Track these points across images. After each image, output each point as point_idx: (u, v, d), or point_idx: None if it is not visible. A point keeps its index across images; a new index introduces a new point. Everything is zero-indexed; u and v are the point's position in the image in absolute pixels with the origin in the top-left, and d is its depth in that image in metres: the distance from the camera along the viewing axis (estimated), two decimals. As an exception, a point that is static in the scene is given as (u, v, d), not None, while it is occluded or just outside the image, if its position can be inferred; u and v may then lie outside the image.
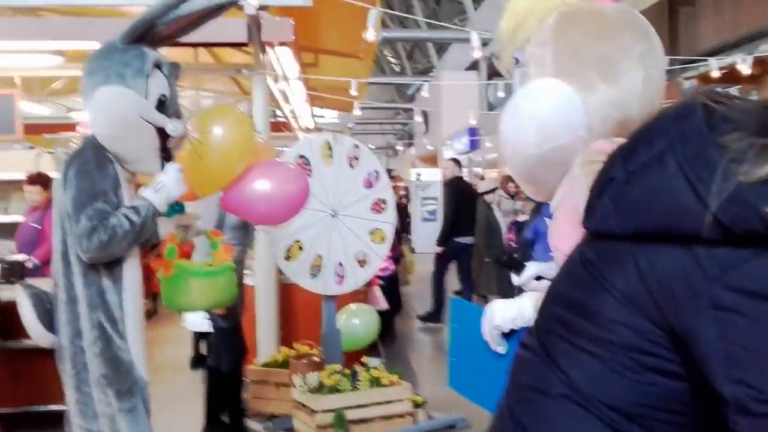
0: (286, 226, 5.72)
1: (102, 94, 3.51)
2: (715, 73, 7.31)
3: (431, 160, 25.12)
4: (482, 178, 14.41)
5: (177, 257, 4.03)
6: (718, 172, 1.22)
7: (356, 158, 6.59)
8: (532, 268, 2.73)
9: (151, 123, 3.56)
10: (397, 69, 35.44)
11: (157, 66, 3.61)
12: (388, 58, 36.05)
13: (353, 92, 7.88)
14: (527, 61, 2.42)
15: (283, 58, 7.01)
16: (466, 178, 16.64)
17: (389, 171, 29.53)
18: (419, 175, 22.85)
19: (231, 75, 8.04)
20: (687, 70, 10.94)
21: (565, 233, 2.22)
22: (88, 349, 3.58)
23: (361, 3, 6.41)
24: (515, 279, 2.74)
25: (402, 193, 23.12)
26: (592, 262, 1.40)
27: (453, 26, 22.99)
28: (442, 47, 26.01)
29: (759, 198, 1.18)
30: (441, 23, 16.73)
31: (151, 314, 8.72)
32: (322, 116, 16.30)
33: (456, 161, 12.56)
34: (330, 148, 6.51)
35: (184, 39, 5.61)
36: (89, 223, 3.41)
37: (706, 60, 10.18)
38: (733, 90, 8.30)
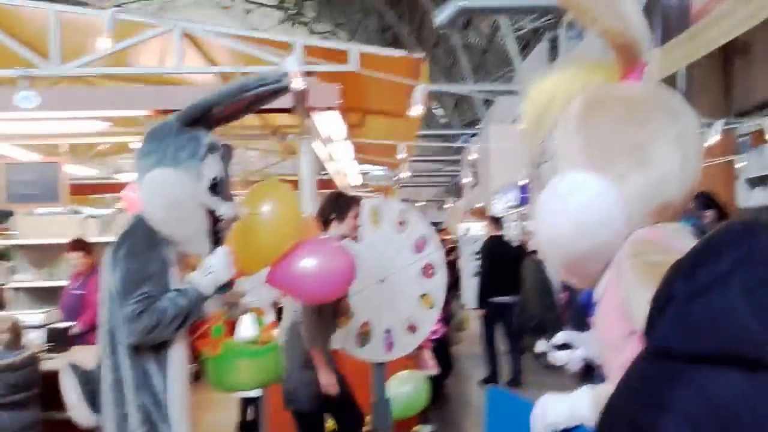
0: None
1: (156, 176, 3.50)
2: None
3: (481, 213, 24.91)
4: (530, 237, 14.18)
5: (224, 336, 3.97)
6: None
7: (404, 222, 6.48)
8: (561, 335, 2.68)
9: (203, 206, 3.54)
10: (443, 120, 35.46)
11: (211, 149, 3.59)
12: (434, 110, 36.12)
13: (400, 155, 7.78)
14: (555, 152, 2.35)
15: (329, 121, 6.94)
16: (515, 234, 16.43)
17: (438, 224, 29.40)
18: (468, 229, 22.63)
19: (278, 139, 8.00)
20: (742, 122, 10.72)
21: (611, 323, 2.19)
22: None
23: (407, 80, 6.33)
24: (541, 346, 2.70)
25: (451, 246, 22.92)
26: (653, 379, 1.38)
27: (499, 80, 23.00)
28: (489, 99, 25.94)
29: None
30: (487, 74, 16.72)
31: (197, 377, 8.60)
32: (368, 172, 16.24)
33: (494, 220, 12.31)
34: (377, 213, 6.42)
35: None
36: (137, 306, 3.39)
37: (762, 110, 9.98)
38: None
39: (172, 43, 6.07)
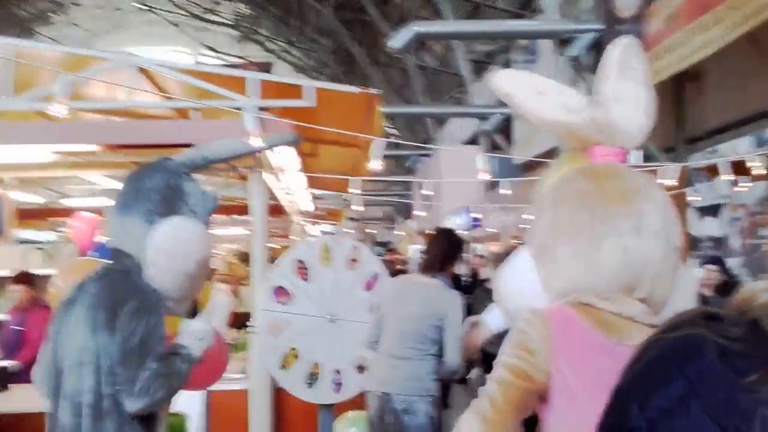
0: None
1: (181, 225, 3.30)
2: (724, 170, 7.05)
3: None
4: (484, 262, 14.06)
5: None
6: (756, 423, 1.16)
7: (355, 260, 6.41)
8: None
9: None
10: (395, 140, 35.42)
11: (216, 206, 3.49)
12: (387, 129, 36.05)
13: (352, 190, 7.72)
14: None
15: (281, 153, 6.85)
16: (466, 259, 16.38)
17: (388, 244, 29.32)
18: (419, 250, 22.58)
19: (227, 171, 7.93)
20: (694, 151, 10.81)
21: None
22: None
23: (365, 135, 6.30)
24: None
25: (399, 267, 22.79)
26: None
27: (451, 101, 23.05)
28: (441, 120, 26.03)
29: None
30: (440, 95, 16.70)
31: None
32: (321, 198, 16.14)
33: None
34: (328, 251, 6.35)
35: (180, 138, 5.52)
36: (157, 368, 3.09)
37: (712, 137, 10.08)
38: (742, 182, 8.03)
39: (124, 75, 5.96)
